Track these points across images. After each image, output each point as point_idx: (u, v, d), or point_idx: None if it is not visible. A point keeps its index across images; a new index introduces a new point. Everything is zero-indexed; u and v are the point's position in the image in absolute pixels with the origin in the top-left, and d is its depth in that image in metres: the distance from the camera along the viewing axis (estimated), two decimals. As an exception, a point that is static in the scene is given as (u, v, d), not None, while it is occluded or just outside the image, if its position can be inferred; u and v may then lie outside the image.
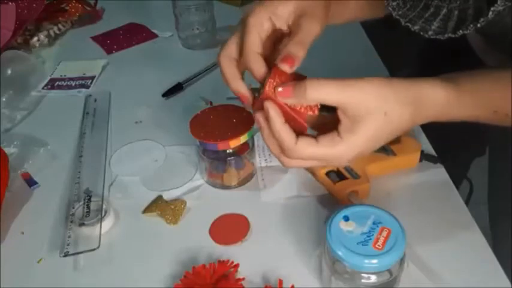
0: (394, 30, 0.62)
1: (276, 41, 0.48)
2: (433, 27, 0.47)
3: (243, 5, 1.10)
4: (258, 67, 0.45)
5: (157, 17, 1.06)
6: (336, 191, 0.57)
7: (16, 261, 0.53)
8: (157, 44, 0.98)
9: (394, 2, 0.50)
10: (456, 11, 0.46)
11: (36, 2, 0.94)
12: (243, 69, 0.48)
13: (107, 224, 0.56)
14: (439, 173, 0.60)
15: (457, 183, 0.61)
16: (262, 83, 0.45)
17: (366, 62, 0.84)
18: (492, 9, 0.41)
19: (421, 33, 0.48)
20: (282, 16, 0.47)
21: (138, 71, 0.88)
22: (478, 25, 0.43)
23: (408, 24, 0.49)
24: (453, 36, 0.46)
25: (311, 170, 0.61)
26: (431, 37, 0.47)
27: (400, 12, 0.49)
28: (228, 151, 0.58)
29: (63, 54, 0.96)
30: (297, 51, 0.44)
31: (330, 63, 0.79)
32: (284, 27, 0.47)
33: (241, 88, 0.47)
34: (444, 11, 0.47)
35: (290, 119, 0.44)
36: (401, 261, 0.43)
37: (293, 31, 0.46)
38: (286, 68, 0.43)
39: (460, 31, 0.45)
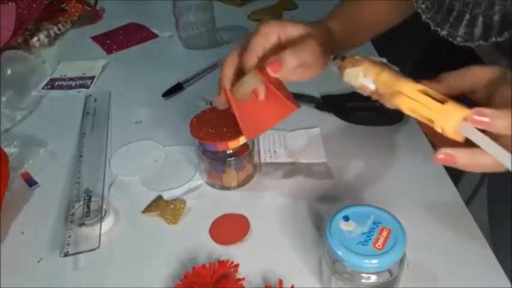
0: (394, 30, 0.62)
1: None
2: (460, 33, 0.47)
3: (243, 5, 1.10)
4: (250, 63, 0.47)
5: (157, 17, 1.06)
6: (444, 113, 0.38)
7: (16, 261, 0.53)
8: (157, 44, 0.98)
9: (423, 4, 0.49)
10: (480, 17, 0.45)
11: (36, 2, 0.94)
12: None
13: (107, 224, 0.56)
14: (439, 173, 0.60)
15: (457, 183, 0.61)
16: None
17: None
18: None
19: (450, 39, 0.47)
20: (290, 35, 0.48)
21: (138, 71, 0.88)
22: None
23: (437, 28, 0.48)
24: (484, 43, 0.45)
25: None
26: (460, 44, 0.47)
27: (429, 15, 0.49)
28: (227, 152, 0.58)
29: (63, 54, 0.96)
30: (288, 58, 0.45)
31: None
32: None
33: (225, 87, 0.50)
34: (467, 16, 0.46)
35: (273, 100, 0.47)
36: (401, 261, 0.43)
37: (295, 42, 0.47)
38: (269, 70, 0.44)
39: (493, 38, 0.44)
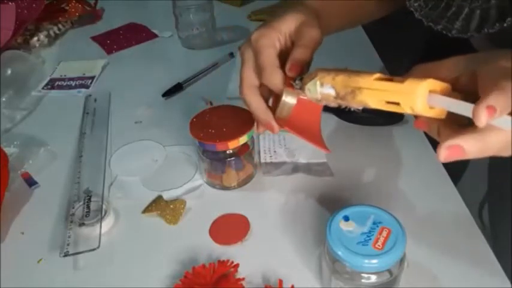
0: (393, 29, 0.62)
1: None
2: (456, 27, 0.48)
3: (243, 5, 1.10)
4: (280, 80, 0.47)
5: (157, 17, 1.07)
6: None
7: (16, 261, 0.53)
8: (157, 44, 0.98)
9: (416, 2, 0.50)
10: (478, 10, 0.46)
11: (36, 2, 0.94)
12: (265, 94, 0.50)
13: (107, 224, 0.56)
14: (439, 173, 0.60)
15: (457, 183, 0.61)
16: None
17: (366, 61, 0.85)
18: None
19: (444, 32, 0.49)
20: (286, 33, 0.49)
21: (138, 71, 0.88)
22: (505, 24, 0.43)
23: (431, 24, 0.49)
24: (476, 34, 0.46)
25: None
26: (454, 36, 0.48)
27: (422, 13, 0.50)
28: (227, 152, 0.58)
29: (63, 54, 0.96)
30: (300, 54, 0.46)
31: (328, 63, 0.79)
32: (289, 44, 0.49)
33: (271, 119, 0.50)
34: (466, 10, 0.47)
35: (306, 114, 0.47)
36: (401, 261, 0.43)
37: (295, 40, 0.48)
38: (292, 75, 0.45)
39: (485, 29, 0.45)
